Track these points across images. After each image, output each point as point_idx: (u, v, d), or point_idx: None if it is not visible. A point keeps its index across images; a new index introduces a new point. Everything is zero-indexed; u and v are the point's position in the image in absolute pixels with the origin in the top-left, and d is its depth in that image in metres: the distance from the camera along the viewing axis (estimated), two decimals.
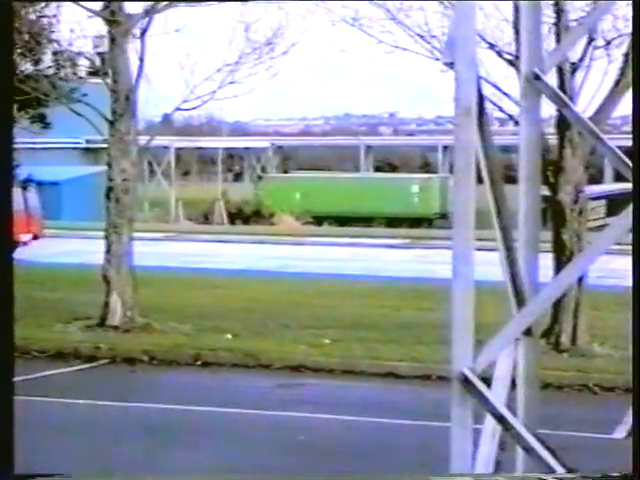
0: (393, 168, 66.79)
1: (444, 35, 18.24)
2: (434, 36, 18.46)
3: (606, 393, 15.50)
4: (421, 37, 18.49)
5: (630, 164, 4.84)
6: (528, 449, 4.65)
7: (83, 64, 23.38)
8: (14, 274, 4.01)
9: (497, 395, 4.77)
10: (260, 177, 60.39)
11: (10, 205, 3.81)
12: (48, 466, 10.84)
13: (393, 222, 50.90)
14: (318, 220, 51.79)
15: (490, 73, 16.93)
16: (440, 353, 13.85)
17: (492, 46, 17.54)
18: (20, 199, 33.16)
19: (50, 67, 22.23)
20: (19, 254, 33.14)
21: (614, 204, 40.97)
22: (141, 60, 19.19)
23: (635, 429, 4.52)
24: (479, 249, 4.65)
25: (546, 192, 17.06)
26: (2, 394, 3.68)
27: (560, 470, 4.51)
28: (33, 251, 32.99)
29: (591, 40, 17.21)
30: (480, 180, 4.86)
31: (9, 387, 3.70)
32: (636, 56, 4.77)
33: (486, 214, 5.03)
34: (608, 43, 17.72)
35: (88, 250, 25.50)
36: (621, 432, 13.31)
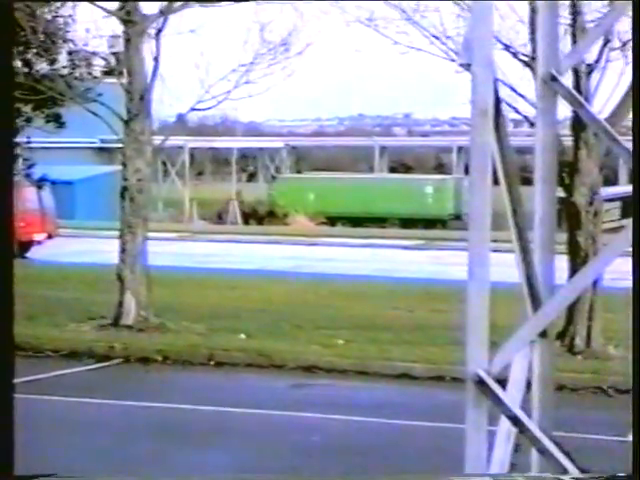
0: (407, 169, 66.76)
1: (459, 36, 18.23)
2: (449, 37, 18.46)
3: (621, 395, 15.44)
4: (436, 38, 18.47)
5: None
6: (543, 451, 4.65)
7: (98, 64, 23.42)
8: (14, 275, 3.95)
9: (512, 397, 4.76)
10: (274, 177, 60.46)
11: (11, 205, 3.73)
12: (61, 464, 10.86)
13: (407, 223, 50.96)
14: (332, 221, 51.85)
15: (505, 74, 16.90)
16: (454, 354, 13.86)
17: (507, 47, 17.52)
18: (35, 198, 33.32)
19: (65, 67, 22.28)
20: (33, 253, 33.31)
21: (629, 206, 40.88)
22: (156, 60, 19.24)
23: (635, 430, 4.48)
24: (495, 250, 4.65)
25: (561, 194, 17.05)
26: (2, 395, 3.63)
27: (575, 472, 4.51)
28: (47, 250, 33.13)
29: (607, 42, 17.18)
30: (496, 181, 4.86)
31: (9, 388, 3.65)
32: (636, 56, 4.73)
33: (502, 215, 5.02)
34: (624, 44, 17.66)
35: (102, 250, 25.59)
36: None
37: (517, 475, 4.90)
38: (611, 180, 42.89)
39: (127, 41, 19.20)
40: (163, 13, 19.21)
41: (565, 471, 4.53)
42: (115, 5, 19.13)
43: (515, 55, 17.65)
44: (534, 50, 15.23)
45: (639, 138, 4.55)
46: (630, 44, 17.66)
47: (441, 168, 64.83)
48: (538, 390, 5.05)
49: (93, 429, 12.85)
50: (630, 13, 5.13)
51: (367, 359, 17.07)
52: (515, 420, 4.65)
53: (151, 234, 20.33)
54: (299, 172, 64.31)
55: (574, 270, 16.17)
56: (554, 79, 4.95)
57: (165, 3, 19.18)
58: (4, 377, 3.65)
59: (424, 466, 11.26)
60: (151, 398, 14.56)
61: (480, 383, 4.58)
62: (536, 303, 4.98)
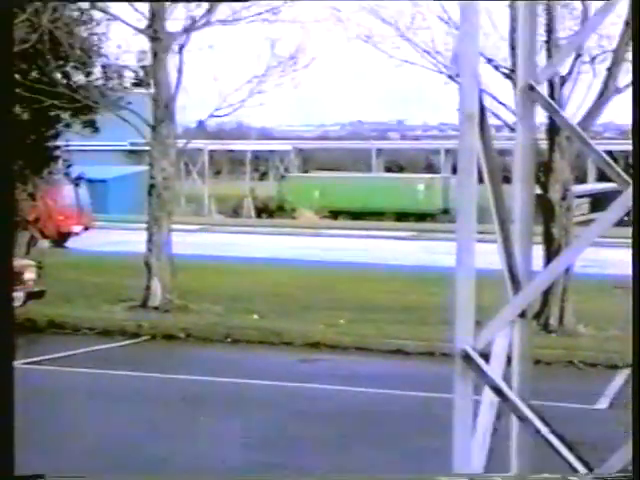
0: (401, 169, 66.63)
1: (448, 51, 18.23)
2: (438, 52, 18.46)
3: (589, 368, 15.48)
4: (427, 53, 18.47)
5: (613, 166, 4.83)
6: (522, 418, 4.65)
7: (128, 76, 23.42)
8: (13, 276, 3.76)
9: (495, 370, 4.76)
10: (283, 176, 60.40)
11: (11, 204, 3.47)
12: (98, 425, 10.87)
13: (401, 217, 50.92)
14: (335, 214, 51.82)
15: (489, 85, 16.87)
16: (443, 333, 13.85)
17: (490, 61, 17.50)
18: (72, 195, 33.39)
19: (99, 79, 22.28)
20: (71, 243, 33.35)
21: (597, 201, 40.85)
22: (179, 72, 19.23)
23: (635, 429, 4.28)
24: (479, 241, 4.65)
25: (538, 190, 17.02)
26: (2, 395, 3.38)
27: (553, 441, 4.50)
28: (84, 241, 33.17)
29: (578, 56, 17.16)
30: (481, 180, 4.85)
31: (9, 388, 3.39)
32: (636, 57, 4.61)
33: (486, 210, 5.02)
34: (593, 59, 17.67)
35: (132, 240, 25.57)
36: (603, 403, 13.28)
37: (518, 476, 4.86)
38: (581, 179, 42.79)
39: (154, 56, 19.19)
40: (186, 31, 19.20)
41: (541, 436, 4.53)
42: (143, 24, 19.12)
43: (497, 68, 17.63)
44: (514, 63, 15.21)
45: (639, 138, 4.40)
46: (598, 58, 17.65)
47: (431, 168, 64.64)
48: (517, 364, 5.04)
49: (126, 397, 12.86)
50: (598, 32, 5.12)
51: (366, 337, 17.07)
52: (497, 390, 4.65)
53: (175, 226, 20.34)
54: (305, 172, 64.22)
55: (549, 258, 16.16)
56: (532, 89, 4.94)
57: (188, 22, 19.17)
58: (4, 379, 3.37)
59: (415, 430, 11.26)
60: (176, 371, 14.58)
61: (466, 358, 4.58)
62: (516, 287, 4.98)
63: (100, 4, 20.51)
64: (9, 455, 3.36)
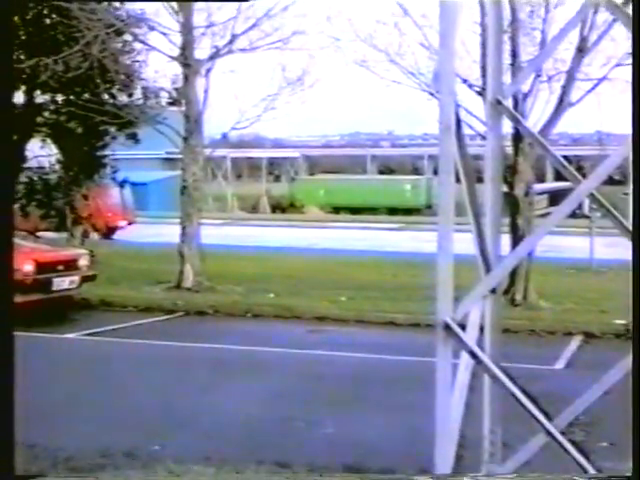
0: (391, 171, 66.52)
1: (429, 72, 18.22)
2: (422, 73, 18.46)
3: (549, 336, 15.48)
4: (412, 74, 18.47)
5: (568, 167, 4.84)
6: (493, 377, 4.66)
7: (164, 96, 23.38)
8: (13, 273, 3.32)
9: (470, 337, 4.77)
10: (293, 179, 60.38)
11: (11, 202, 3.19)
12: (142, 385, 10.89)
13: (392, 211, 50.91)
14: (337, 210, 51.79)
15: (463, 101, 16.84)
16: (427, 307, 13.81)
17: (465, 81, 17.50)
18: (118, 195, 33.41)
19: (140, 98, 22.26)
20: (118, 236, 33.39)
21: (554, 197, 40.77)
22: (206, 92, 19.23)
23: (635, 429, 4.12)
24: (457, 231, 4.65)
25: (505, 188, 17.01)
26: (2, 395, 3.01)
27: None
28: (128, 233, 33.20)
29: (537, 76, 17.14)
30: (458, 180, 4.86)
31: (9, 388, 3.02)
32: (636, 59, 4.43)
33: (462, 205, 5.02)
34: (550, 78, 17.64)
35: (168, 233, 25.58)
36: (560, 364, 13.29)
37: (517, 476, 4.84)
38: (541, 178, 42.67)
39: (185, 79, 19.18)
40: (211, 58, 19.19)
41: (509, 392, 4.53)
42: (176, 52, 19.10)
43: (470, 86, 17.62)
44: (484, 82, 15.19)
45: (638, 142, 4.26)
46: (554, 78, 17.62)
47: (416, 171, 64.52)
48: (489, 332, 5.06)
49: (167, 361, 12.89)
50: (554, 56, 5.11)
51: (363, 311, 17.08)
52: (473, 354, 4.67)
53: (203, 221, 20.34)
54: (312, 175, 64.15)
55: (514, 244, 16.15)
56: (499, 103, 4.95)
57: (213, 51, 19.14)
58: (4, 380, 3.01)
59: (404, 387, 11.27)
60: (206, 340, 14.60)
61: (447, 327, 4.59)
62: (487, 268, 4.99)
63: (140, 37, 20.48)
64: (9, 455, 2.99)
